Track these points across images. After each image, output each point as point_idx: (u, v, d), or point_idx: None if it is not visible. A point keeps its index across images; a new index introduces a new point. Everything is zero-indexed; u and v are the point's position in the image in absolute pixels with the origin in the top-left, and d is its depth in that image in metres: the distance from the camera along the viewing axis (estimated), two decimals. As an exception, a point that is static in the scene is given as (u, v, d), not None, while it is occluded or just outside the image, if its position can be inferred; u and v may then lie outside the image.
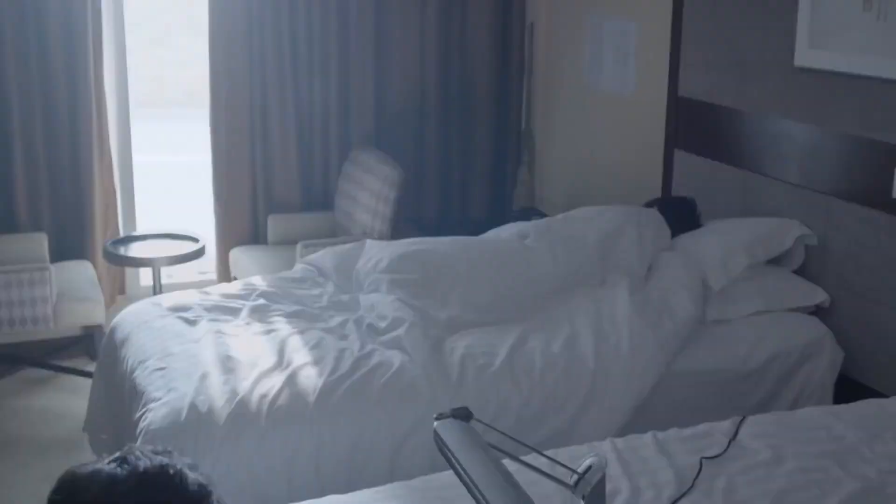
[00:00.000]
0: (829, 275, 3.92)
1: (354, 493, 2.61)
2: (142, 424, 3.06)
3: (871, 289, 3.73)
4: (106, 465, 1.50)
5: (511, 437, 2.18)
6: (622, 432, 3.19)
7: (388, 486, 2.63)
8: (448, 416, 2.01)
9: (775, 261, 4.05)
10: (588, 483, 2.07)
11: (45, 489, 1.52)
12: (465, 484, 1.83)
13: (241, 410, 3.06)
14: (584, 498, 2.06)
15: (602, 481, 2.09)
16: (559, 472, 2.15)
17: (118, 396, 3.52)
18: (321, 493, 2.66)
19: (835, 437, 2.87)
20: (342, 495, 2.59)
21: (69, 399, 4.73)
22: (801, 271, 4.02)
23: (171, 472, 1.50)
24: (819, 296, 3.89)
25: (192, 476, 1.52)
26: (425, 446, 3.02)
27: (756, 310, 3.83)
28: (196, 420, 3.01)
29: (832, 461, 2.72)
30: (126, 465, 1.49)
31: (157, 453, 1.53)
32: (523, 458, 2.12)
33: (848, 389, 3.72)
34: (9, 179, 5.07)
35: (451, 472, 1.98)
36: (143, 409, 3.14)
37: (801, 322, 3.81)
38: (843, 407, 3.15)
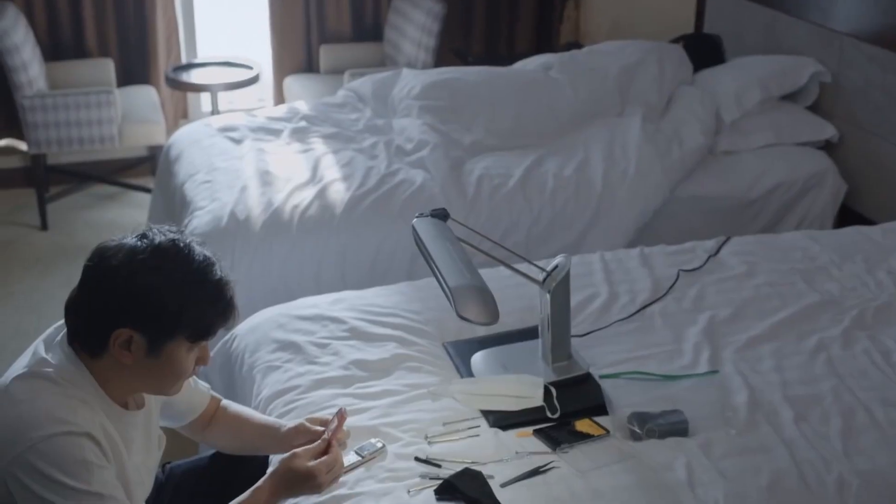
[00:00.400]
0: (839, 111, 4.10)
1: (367, 289, 2.96)
2: (187, 230, 3.43)
3: (878, 125, 3.90)
4: (130, 239, 1.84)
5: (489, 238, 2.48)
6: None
7: (396, 285, 2.97)
8: (427, 215, 2.32)
9: (791, 97, 4.23)
10: (554, 279, 2.39)
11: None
12: (430, 268, 2.15)
13: (275, 219, 3.41)
14: (549, 292, 2.38)
15: (566, 279, 2.41)
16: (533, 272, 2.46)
17: (172, 208, 3.90)
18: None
19: (809, 258, 3.12)
20: (357, 291, 2.94)
21: (135, 212, 5.14)
22: (813, 108, 4.20)
23: (181, 244, 1.84)
24: (828, 131, 4.07)
25: (198, 249, 1.86)
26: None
27: (766, 142, 4.04)
28: (235, 226, 3.38)
29: (800, 277, 2.99)
30: (146, 239, 1.83)
31: (171, 231, 1.87)
32: (503, 261, 2.42)
33: (849, 220, 3.93)
34: (78, 8, 5.37)
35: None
36: (190, 217, 3.51)
37: (807, 155, 4.02)
38: (825, 232, 3.40)
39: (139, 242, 1.81)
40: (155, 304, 1.78)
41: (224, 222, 3.39)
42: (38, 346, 1.87)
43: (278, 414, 2.36)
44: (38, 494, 1.72)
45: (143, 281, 1.78)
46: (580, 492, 2.06)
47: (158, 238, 1.83)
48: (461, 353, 2.56)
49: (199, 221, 3.42)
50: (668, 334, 2.68)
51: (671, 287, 2.91)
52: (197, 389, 2.19)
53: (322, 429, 2.13)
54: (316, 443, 2.07)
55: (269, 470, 2.05)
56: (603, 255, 3.11)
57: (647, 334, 2.68)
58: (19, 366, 1.85)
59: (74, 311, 1.84)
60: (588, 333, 2.66)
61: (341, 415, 2.16)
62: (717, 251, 3.13)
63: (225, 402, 2.27)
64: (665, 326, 2.72)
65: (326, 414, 2.23)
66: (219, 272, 1.86)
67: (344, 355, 2.54)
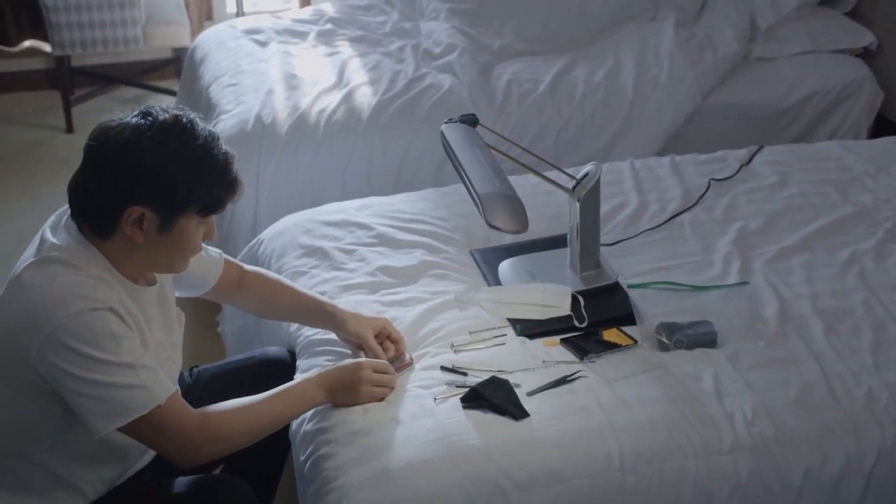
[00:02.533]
0: (879, 18, 3.99)
1: (394, 195, 2.93)
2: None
3: (918, 32, 3.81)
4: (132, 118, 1.81)
5: (517, 145, 2.44)
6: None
7: (423, 191, 2.94)
8: (457, 121, 2.28)
9: (829, 2, 4.12)
10: (584, 187, 2.35)
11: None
12: (459, 174, 2.12)
13: (301, 123, 3.38)
14: (579, 201, 2.35)
15: (597, 187, 2.37)
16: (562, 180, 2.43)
17: (197, 110, 3.85)
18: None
19: (843, 168, 3.06)
20: (383, 197, 2.92)
21: (160, 115, 5.10)
22: (852, 14, 4.09)
23: (184, 120, 1.81)
24: (866, 38, 3.97)
25: (201, 125, 1.84)
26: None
27: (802, 49, 3.94)
28: (261, 130, 3.35)
29: (833, 188, 2.93)
30: (149, 117, 1.80)
31: (172, 108, 1.84)
32: (532, 168, 2.38)
33: (885, 131, 3.85)
34: None
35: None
36: (216, 120, 3.47)
37: (844, 62, 3.92)
38: (860, 142, 3.33)
39: (143, 120, 1.79)
40: (166, 180, 1.77)
41: (250, 126, 3.36)
42: (44, 233, 1.86)
43: (304, 321, 2.36)
44: (71, 373, 1.74)
45: (152, 157, 1.76)
46: (607, 401, 2.05)
47: (162, 115, 1.80)
48: (488, 261, 2.54)
49: (224, 125, 3.39)
50: (697, 244, 2.65)
51: (702, 196, 2.87)
52: (208, 257, 2.17)
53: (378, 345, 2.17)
54: (381, 360, 2.10)
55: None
56: (633, 163, 3.06)
57: (677, 244, 2.65)
58: (28, 255, 1.85)
59: (80, 193, 1.82)
60: (617, 242, 2.63)
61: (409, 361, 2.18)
62: (750, 160, 3.07)
63: (256, 268, 2.29)
64: (695, 236, 2.69)
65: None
66: (223, 146, 1.85)
67: (371, 261, 2.53)
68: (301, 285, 2.46)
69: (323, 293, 2.42)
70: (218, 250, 2.23)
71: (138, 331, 1.85)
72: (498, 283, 2.46)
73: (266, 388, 2.11)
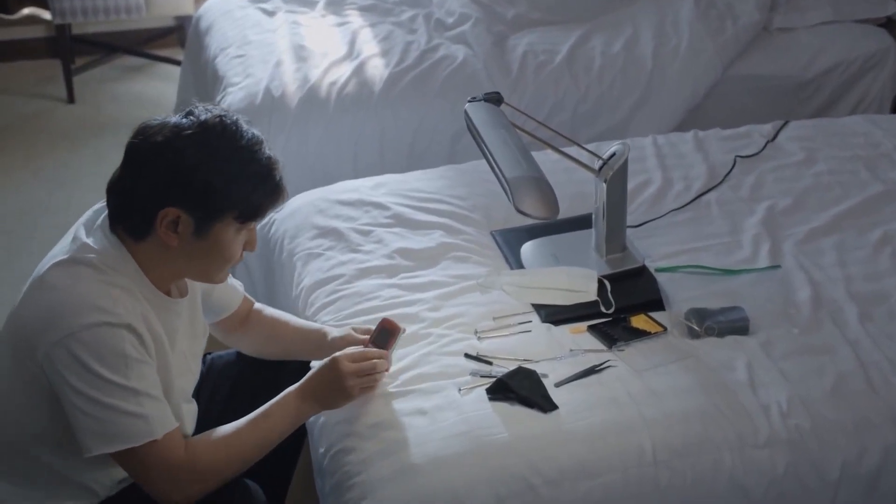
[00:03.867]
0: (903, -15, 3.88)
1: (409, 172, 2.85)
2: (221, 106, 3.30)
3: (944, 1, 3.70)
4: (175, 116, 1.74)
5: (535, 120, 2.35)
6: (675, 133, 3.33)
7: (440, 168, 2.85)
8: (480, 99, 2.19)
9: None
10: (611, 168, 2.27)
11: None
12: (484, 155, 2.03)
13: (311, 96, 3.28)
14: (606, 181, 2.27)
15: (624, 167, 2.29)
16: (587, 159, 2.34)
17: (203, 82, 3.77)
18: (383, 174, 2.89)
19: (871, 144, 2.97)
20: (398, 174, 2.83)
21: (162, 86, 5.00)
22: (875, -18, 3.98)
23: (228, 121, 1.74)
24: (890, 8, 3.87)
25: (245, 127, 1.76)
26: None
27: (824, 19, 3.83)
28: (270, 103, 3.25)
29: (862, 165, 2.84)
30: (191, 117, 1.73)
31: (217, 109, 1.76)
32: (553, 146, 2.29)
33: (909, 103, 3.77)
34: None
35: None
36: (223, 93, 3.38)
37: (867, 33, 3.81)
38: (887, 116, 3.24)
39: (185, 119, 1.73)
40: (202, 181, 1.69)
41: (258, 99, 3.26)
42: (77, 231, 1.79)
43: (322, 304, 2.28)
44: (73, 385, 1.66)
45: (190, 157, 1.69)
46: (637, 392, 1.98)
47: (204, 115, 1.73)
48: (510, 243, 2.46)
49: (232, 98, 3.30)
50: (725, 225, 2.57)
51: (728, 174, 2.78)
52: (233, 287, 2.10)
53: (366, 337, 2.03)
54: (352, 348, 1.95)
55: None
56: (655, 139, 2.97)
57: (704, 224, 2.57)
58: (59, 251, 1.77)
59: (117, 191, 1.75)
60: (643, 224, 2.55)
61: (391, 325, 2.00)
62: (775, 136, 2.98)
63: (259, 304, 2.18)
64: (722, 216, 2.60)
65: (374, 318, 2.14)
66: (267, 151, 1.77)
67: (388, 243, 2.45)
68: (316, 268, 2.39)
69: (339, 276, 2.34)
70: (240, 283, 2.14)
71: (158, 349, 1.77)
72: (520, 266, 2.38)
73: (279, 375, 2.04)
